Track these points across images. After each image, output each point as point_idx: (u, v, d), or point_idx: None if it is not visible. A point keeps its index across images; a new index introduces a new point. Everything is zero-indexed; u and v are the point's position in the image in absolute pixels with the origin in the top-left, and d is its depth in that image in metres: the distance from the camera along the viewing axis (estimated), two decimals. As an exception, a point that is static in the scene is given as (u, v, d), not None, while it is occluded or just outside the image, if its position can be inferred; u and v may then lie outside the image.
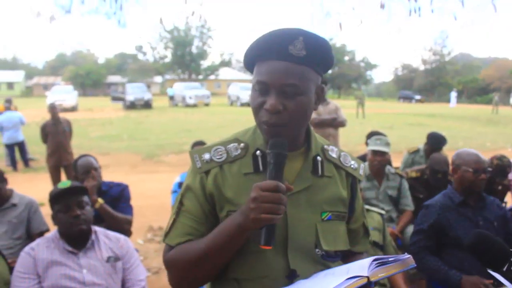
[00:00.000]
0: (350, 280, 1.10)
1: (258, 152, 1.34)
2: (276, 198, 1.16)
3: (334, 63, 1.38)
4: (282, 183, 1.20)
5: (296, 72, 1.24)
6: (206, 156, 1.36)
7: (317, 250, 1.34)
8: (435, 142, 5.14)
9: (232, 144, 1.37)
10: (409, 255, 1.18)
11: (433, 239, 2.86)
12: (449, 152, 5.44)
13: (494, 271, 1.32)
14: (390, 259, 1.17)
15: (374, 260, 1.15)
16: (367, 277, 1.11)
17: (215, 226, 1.31)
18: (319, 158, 1.40)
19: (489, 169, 3.02)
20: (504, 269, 1.31)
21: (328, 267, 1.35)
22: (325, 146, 1.44)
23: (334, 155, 1.44)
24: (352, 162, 1.48)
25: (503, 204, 4.64)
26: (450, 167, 3.05)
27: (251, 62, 1.33)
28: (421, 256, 2.83)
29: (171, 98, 33.19)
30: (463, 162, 2.94)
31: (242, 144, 1.36)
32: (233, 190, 1.32)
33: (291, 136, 1.30)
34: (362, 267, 1.15)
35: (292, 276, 1.30)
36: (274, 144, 1.24)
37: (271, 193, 1.16)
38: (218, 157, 1.35)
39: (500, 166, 4.28)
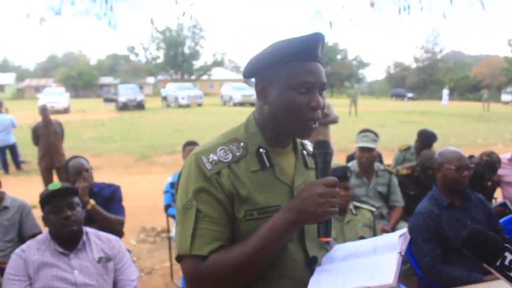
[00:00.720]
0: (397, 257, 1.21)
1: (261, 149, 1.38)
2: (337, 192, 1.27)
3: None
4: None
5: (324, 72, 1.38)
6: (214, 157, 1.34)
7: None
8: (426, 139, 5.17)
9: (233, 144, 1.38)
10: (405, 229, 1.30)
11: (440, 246, 2.81)
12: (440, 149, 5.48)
13: (488, 265, 1.34)
14: (401, 234, 1.28)
15: (399, 236, 1.27)
16: (400, 252, 1.23)
17: (233, 228, 1.31)
18: (304, 152, 1.49)
19: (472, 165, 3.03)
20: (498, 263, 1.32)
21: (327, 251, 1.45)
22: (303, 141, 1.53)
23: (311, 148, 1.53)
24: None
25: (493, 200, 4.69)
26: (435, 168, 3.06)
27: (277, 61, 1.35)
28: (440, 268, 2.74)
29: (164, 98, 33.06)
30: (445, 160, 2.96)
31: (242, 143, 1.38)
32: (247, 189, 1.32)
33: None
34: (392, 244, 1.26)
35: (312, 263, 1.38)
36: (321, 145, 1.35)
37: (333, 188, 1.27)
38: (224, 157, 1.34)
39: (489, 162, 4.33)
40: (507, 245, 1.34)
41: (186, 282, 1.31)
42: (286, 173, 1.39)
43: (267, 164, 1.37)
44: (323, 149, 1.35)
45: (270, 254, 1.27)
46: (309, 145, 1.54)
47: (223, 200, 1.30)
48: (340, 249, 1.42)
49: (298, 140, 1.50)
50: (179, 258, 1.31)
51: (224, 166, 1.32)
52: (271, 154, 1.39)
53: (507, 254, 1.32)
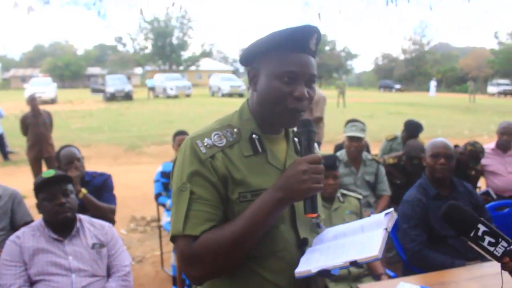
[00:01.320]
0: (383, 232, 1.27)
1: (254, 135, 1.43)
2: (321, 169, 1.30)
3: None
4: None
5: (314, 64, 1.41)
6: (208, 141, 1.38)
7: (313, 219, 1.50)
8: (412, 129, 5.27)
9: (227, 130, 1.42)
10: (391, 209, 1.35)
11: (426, 233, 2.89)
12: (426, 140, 5.58)
13: (464, 236, 1.48)
14: (387, 212, 1.33)
15: (385, 214, 1.33)
16: (386, 228, 1.29)
17: (227, 210, 1.36)
18: (296, 139, 1.54)
19: (452, 155, 3.08)
20: (472, 234, 1.46)
21: (318, 234, 1.51)
22: (294, 129, 1.57)
23: None
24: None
25: (477, 189, 4.80)
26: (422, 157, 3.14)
27: (265, 50, 1.40)
28: (425, 253, 2.83)
29: (151, 89, 32.86)
30: (427, 150, 3.09)
31: (235, 129, 1.43)
32: (241, 173, 1.37)
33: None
34: (379, 222, 1.32)
35: (303, 245, 1.43)
36: (304, 123, 1.39)
37: (317, 165, 1.30)
38: (219, 142, 1.38)
39: (473, 152, 4.43)
40: (481, 218, 1.47)
41: (180, 262, 1.35)
42: (278, 158, 1.44)
43: (260, 149, 1.42)
44: (307, 128, 1.38)
45: (259, 231, 1.31)
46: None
47: (216, 183, 1.34)
48: (330, 231, 1.48)
49: (290, 129, 1.55)
50: (173, 239, 1.35)
51: (218, 150, 1.37)
52: (264, 140, 1.44)
53: (480, 226, 1.46)
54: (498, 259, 1.45)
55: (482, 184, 5.08)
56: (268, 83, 1.37)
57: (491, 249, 1.45)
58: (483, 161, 4.63)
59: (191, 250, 1.30)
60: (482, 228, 1.45)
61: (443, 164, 2.97)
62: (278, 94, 1.36)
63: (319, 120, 6.25)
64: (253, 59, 1.44)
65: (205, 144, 1.37)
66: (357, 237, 1.34)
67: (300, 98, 1.35)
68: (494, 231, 1.45)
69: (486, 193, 4.30)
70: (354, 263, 1.24)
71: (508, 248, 1.43)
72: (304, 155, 1.35)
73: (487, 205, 3.47)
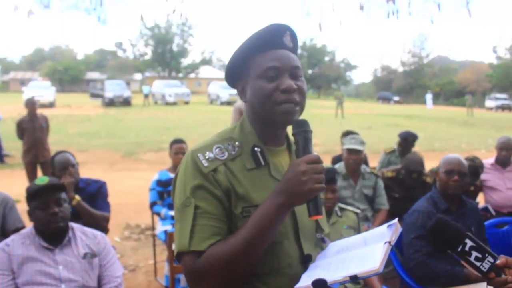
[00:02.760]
0: (385, 245, 1.22)
1: (256, 148, 1.39)
2: (321, 168, 1.25)
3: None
4: None
5: (295, 58, 1.40)
6: (210, 154, 1.35)
7: (317, 234, 1.46)
8: (406, 135, 5.40)
9: (228, 143, 1.39)
10: (396, 219, 1.30)
11: (432, 245, 2.87)
12: (425, 153, 5.57)
13: (451, 251, 1.47)
14: (390, 224, 1.28)
15: (388, 226, 1.28)
16: (389, 241, 1.24)
17: (230, 225, 1.31)
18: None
19: (466, 172, 3.08)
20: (459, 249, 1.45)
21: (322, 249, 1.46)
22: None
23: None
24: None
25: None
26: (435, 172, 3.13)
27: (244, 59, 1.40)
28: (427, 263, 2.83)
29: (146, 96, 32.39)
30: (441, 165, 3.06)
31: (237, 143, 1.40)
32: (243, 187, 1.33)
33: (298, 116, 1.38)
34: (381, 235, 1.27)
35: (307, 261, 1.39)
36: (299, 124, 1.33)
37: (317, 164, 1.25)
38: (220, 155, 1.35)
39: (472, 167, 4.39)
40: (468, 233, 1.46)
41: (187, 279, 1.31)
42: (280, 171, 1.40)
43: (262, 162, 1.38)
44: (303, 128, 1.33)
45: (263, 241, 1.26)
46: None
47: (221, 196, 1.31)
48: (333, 246, 1.44)
49: (292, 139, 1.50)
50: (179, 256, 1.31)
51: (220, 163, 1.34)
52: (266, 153, 1.40)
53: (467, 241, 1.45)
54: (484, 274, 1.44)
55: (480, 199, 5.04)
56: (254, 86, 1.37)
57: (478, 264, 1.44)
58: (483, 176, 4.61)
59: (196, 266, 1.26)
60: (469, 243, 1.45)
61: (457, 181, 2.97)
62: (264, 91, 1.34)
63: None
64: (236, 75, 1.44)
65: (206, 157, 1.34)
66: (359, 251, 1.30)
67: (287, 90, 1.33)
68: (480, 246, 1.45)
69: (485, 209, 4.27)
70: (354, 278, 1.19)
71: (493, 263, 1.43)
72: (301, 156, 1.29)
73: (487, 222, 3.44)
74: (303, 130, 1.33)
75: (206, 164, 1.32)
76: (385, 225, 1.29)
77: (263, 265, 1.32)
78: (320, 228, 1.48)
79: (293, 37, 1.42)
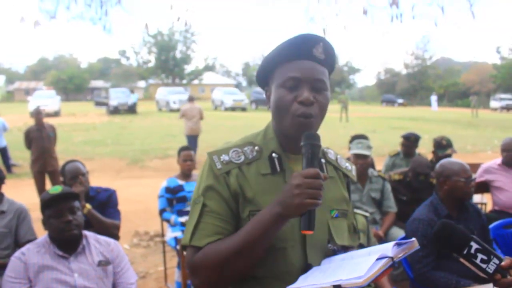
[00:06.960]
0: (380, 260, 1.21)
1: (274, 154, 1.43)
2: (318, 184, 1.23)
3: None
4: None
5: (321, 71, 1.39)
6: (225, 157, 1.40)
7: (329, 245, 1.45)
8: (408, 135, 5.52)
9: (247, 147, 1.43)
10: (413, 239, 1.28)
11: (434, 253, 2.85)
12: (430, 155, 5.58)
13: (457, 254, 1.49)
14: (403, 242, 1.27)
15: (395, 244, 1.26)
16: (392, 257, 1.22)
17: (238, 227, 1.35)
18: (322, 160, 1.52)
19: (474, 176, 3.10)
20: (464, 252, 1.47)
21: None
22: (324, 149, 1.56)
23: (332, 157, 1.58)
24: (347, 164, 1.62)
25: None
26: (437, 179, 3.06)
27: (272, 66, 1.42)
28: (431, 274, 2.80)
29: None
30: (452, 173, 2.95)
31: (257, 147, 1.44)
32: (253, 191, 1.37)
33: (315, 129, 1.38)
34: (385, 249, 1.25)
35: (307, 271, 1.38)
36: (308, 136, 1.32)
37: (313, 179, 1.23)
38: (236, 158, 1.41)
39: (438, 142, 4.72)
40: (473, 235, 1.49)
41: (187, 272, 1.39)
42: None
43: (278, 168, 1.41)
44: (310, 141, 1.31)
45: (259, 246, 1.29)
46: (331, 154, 1.58)
47: (228, 198, 1.37)
48: (341, 255, 1.43)
49: None
50: (184, 248, 1.40)
51: (234, 166, 1.39)
52: (284, 159, 1.43)
53: (472, 243, 1.48)
54: (490, 275, 1.47)
55: (488, 200, 5.05)
56: (275, 94, 1.39)
57: (484, 266, 1.47)
58: (490, 176, 4.63)
59: (193, 260, 1.34)
60: (474, 245, 1.48)
61: (472, 187, 2.98)
62: (283, 101, 1.36)
63: None
64: (265, 81, 1.47)
65: (221, 160, 1.40)
66: (360, 259, 1.29)
67: (303, 102, 1.33)
68: (486, 248, 1.48)
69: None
70: (337, 287, 1.18)
71: (499, 265, 1.45)
72: (304, 168, 1.29)
73: (494, 224, 3.45)
74: (310, 143, 1.31)
75: (219, 166, 1.39)
76: (392, 243, 1.26)
77: (263, 269, 1.36)
78: (333, 240, 1.45)
79: (327, 49, 1.40)
